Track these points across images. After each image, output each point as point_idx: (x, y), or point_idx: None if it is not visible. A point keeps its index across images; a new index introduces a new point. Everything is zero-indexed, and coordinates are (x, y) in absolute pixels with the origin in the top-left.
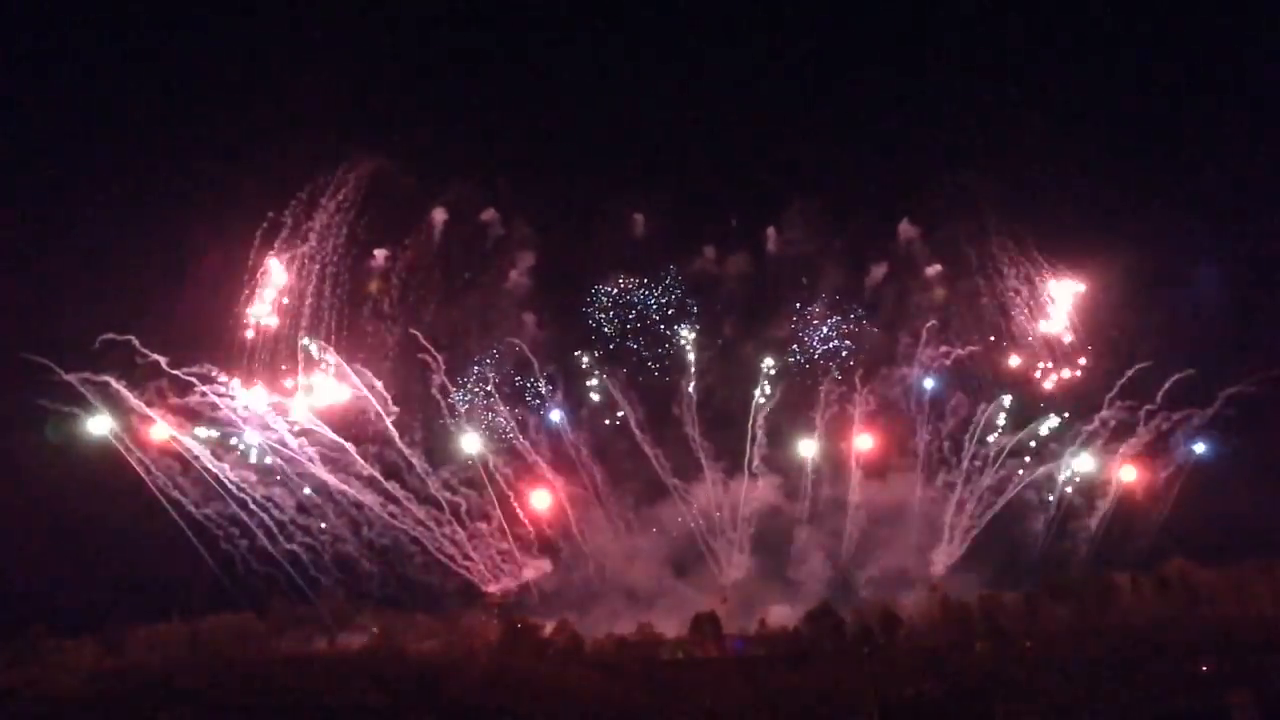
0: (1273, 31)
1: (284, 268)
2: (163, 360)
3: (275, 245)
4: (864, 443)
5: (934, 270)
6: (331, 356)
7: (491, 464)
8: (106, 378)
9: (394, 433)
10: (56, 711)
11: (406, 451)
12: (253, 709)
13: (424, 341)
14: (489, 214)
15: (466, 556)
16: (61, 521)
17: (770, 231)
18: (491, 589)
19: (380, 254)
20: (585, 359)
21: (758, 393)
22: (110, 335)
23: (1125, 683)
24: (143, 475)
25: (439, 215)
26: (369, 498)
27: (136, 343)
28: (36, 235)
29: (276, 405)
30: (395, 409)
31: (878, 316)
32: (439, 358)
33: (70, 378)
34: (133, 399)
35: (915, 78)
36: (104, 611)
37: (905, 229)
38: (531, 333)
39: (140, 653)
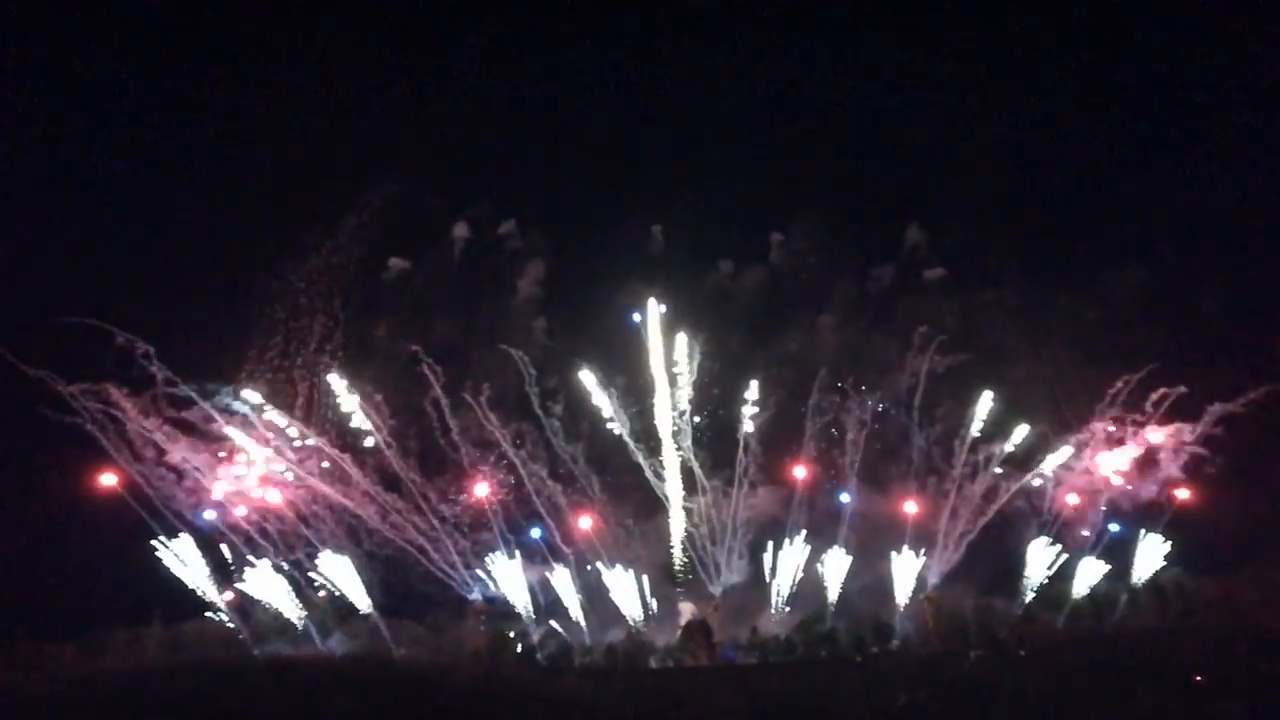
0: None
1: (301, 282)
2: (163, 373)
3: (294, 262)
4: (857, 452)
5: (935, 274)
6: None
7: (489, 474)
8: (107, 385)
9: (392, 445)
10: (36, 716)
11: (402, 464)
12: (235, 715)
13: (423, 356)
14: (508, 226)
15: (468, 565)
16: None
17: (776, 241)
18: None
19: (395, 264)
20: (589, 370)
21: (755, 403)
22: (120, 341)
23: (1118, 693)
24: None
25: (460, 230)
26: (367, 509)
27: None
28: (41, 242)
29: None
30: (392, 421)
31: (879, 324)
32: (438, 370)
33: (72, 388)
34: (131, 409)
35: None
36: (85, 616)
37: (912, 234)
38: (540, 342)
39: (121, 657)
